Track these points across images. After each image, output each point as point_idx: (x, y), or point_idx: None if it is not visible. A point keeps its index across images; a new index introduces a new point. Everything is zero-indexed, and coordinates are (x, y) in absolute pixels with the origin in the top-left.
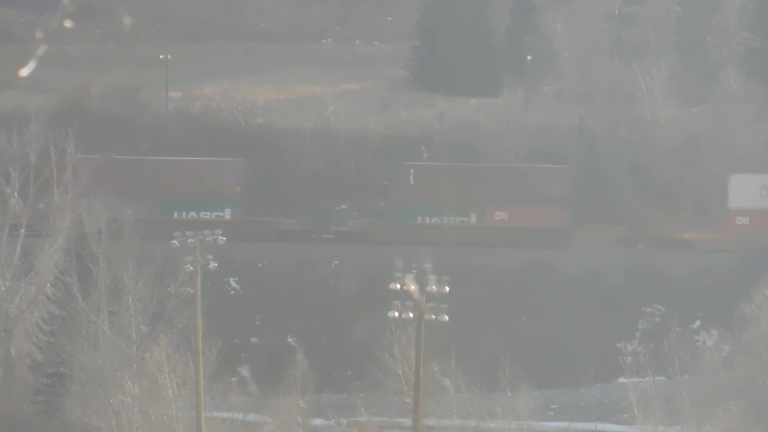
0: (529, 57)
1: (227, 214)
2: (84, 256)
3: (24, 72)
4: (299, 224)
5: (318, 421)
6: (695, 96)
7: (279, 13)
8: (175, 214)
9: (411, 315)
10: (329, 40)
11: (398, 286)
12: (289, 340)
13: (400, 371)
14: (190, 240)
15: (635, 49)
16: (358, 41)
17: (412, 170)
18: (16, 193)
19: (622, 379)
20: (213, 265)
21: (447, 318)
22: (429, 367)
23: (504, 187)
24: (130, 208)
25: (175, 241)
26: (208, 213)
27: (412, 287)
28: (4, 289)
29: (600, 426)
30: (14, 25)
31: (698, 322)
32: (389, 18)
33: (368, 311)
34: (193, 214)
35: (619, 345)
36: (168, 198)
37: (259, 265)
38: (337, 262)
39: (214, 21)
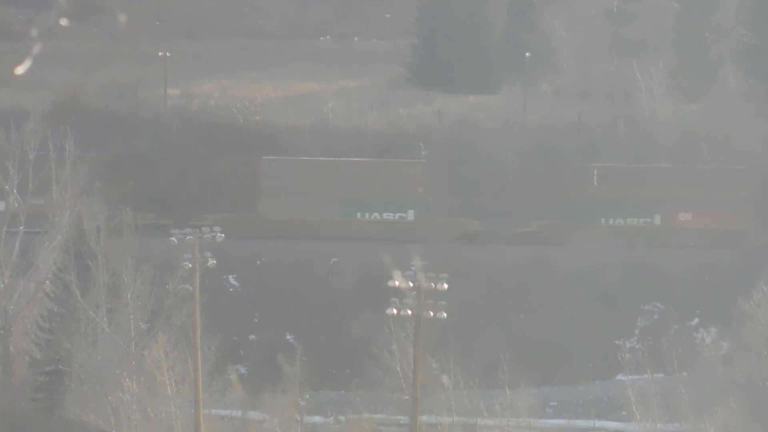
0: (527, 54)
1: (410, 215)
2: (83, 254)
3: (20, 70)
4: (482, 226)
5: (316, 418)
6: (694, 93)
7: (277, 11)
8: (358, 215)
9: (409, 312)
10: (328, 37)
11: (396, 283)
12: (288, 337)
13: (398, 368)
14: (188, 237)
15: (634, 46)
16: (356, 39)
17: (596, 171)
18: (14, 190)
19: (620, 377)
20: (212, 262)
21: (445, 315)
22: (427, 364)
23: (686, 188)
24: (312, 209)
25: (173, 239)
26: (391, 214)
27: (410, 284)
28: (2, 286)
29: (598, 423)
30: (12, 23)
31: (697, 320)
32: (388, 15)
33: (367, 308)
34: (376, 216)
35: (617, 342)
36: (351, 199)
37: (258, 262)
38: (335, 260)
39: (213, 18)
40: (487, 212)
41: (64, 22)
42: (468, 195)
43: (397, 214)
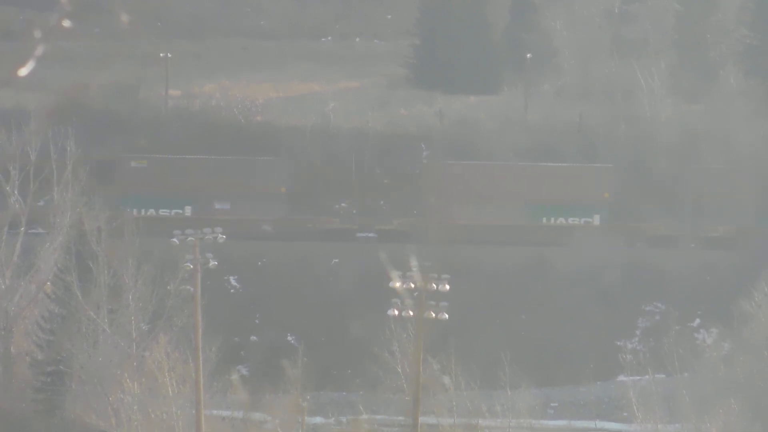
0: (528, 55)
1: (596, 220)
2: (84, 255)
3: (23, 72)
4: (668, 229)
5: (318, 419)
6: (694, 93)
7: (278, 11)
8: (544, 220)
9: (411, 313)
10: (329, 38)
11: (398, 284)
12: (289, 338)
13: (399, 369)
14: (189, 238)
15: (635, 46)
16: (357, 39)
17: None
18: (16, 191)
19: (621, 377)
20: (213, 263)
21: (447, 316)
22: (429, 364)
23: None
24: (498, 213)
25: (174, 240)
26: (576, 219)
27: (412, 285)
28: (4, 287)
29: (600, 424)
30: (13, 23)
31: (698, 320)
32: (389, 16)
33: (368, 309)
34: (561, 220)
35: (618, 343)
36: (536, 203)
37: (259, 263)
38: (336, 260)
39: (214, 19)
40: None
41: (66, 23)
42: (655, 200)
43: (583, 219)
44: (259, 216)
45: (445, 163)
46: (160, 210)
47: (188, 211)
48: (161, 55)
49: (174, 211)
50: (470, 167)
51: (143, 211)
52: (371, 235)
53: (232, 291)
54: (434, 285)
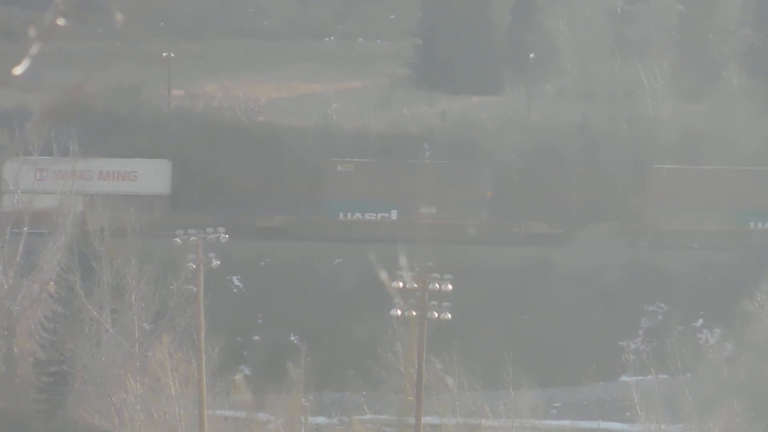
0: (531, 55)
1: None
2: (87, 254)
3: (18, 70)
4: None
5: (320, 419)
6: (697, 93)
7: (280, 11)
8: (751, 225)
9: (414, 313)
10: (331, 38)
11: (400, 284)
12: (292, 338)
13: (402, 369)
14: (192, 238)
15: (637, 46)
16: (359, 39)
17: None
18: (19, 191)
19: (624, 378)
20: (216, 263)
21: (450, 316)
22: (431, 365)
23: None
24: (706, 218)
25: (177, 239)
26: None
27: (415, 285)
28: (6, 287)
29: (602, 424)
30: (14, 23)
31: (701, 320)
32: (391, 16)
33: (370, 309)
34: None
35: (621, 343)
36: (748, 209)
37: (262, 263)
38: (339, 260)
39: (216, 19)
40: None
41: (61, 21)
42: None
43: None
44: (464, 220)
45: (657, 167)
46: (366, 214)
47: (394, 215)
48: (163, 55)
49: (380, 215)
50: (677, 172)
51: (349, 215)
52: None
53: (235, 291)
54: (437, 285)
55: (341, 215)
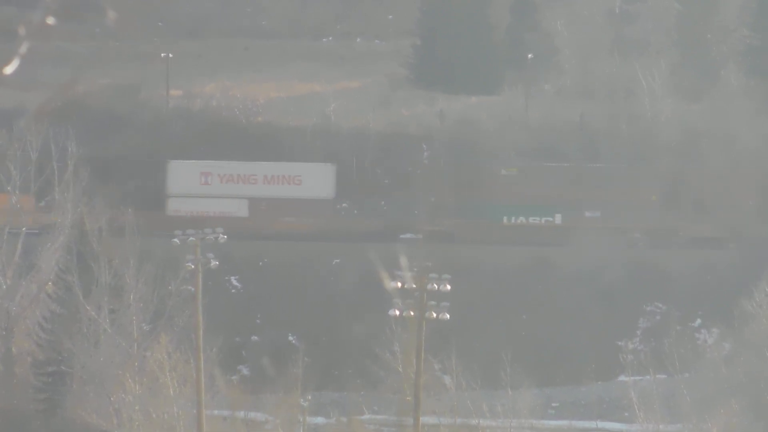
0: (529, 55)
1: None
2: (85, 254)
3: (8, 70)
4: None
5: (319, 419)
6: (695, 93)
7: (279, 10)
8: (504, 220)
9: (412, 313)
10: (330, 37)
11: (399, 284)
12: (290, 338)
13: (400, 369)
14: (191, 238)
15: (635, 46)
16: (358, 39)
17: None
18: (17, 191)
19: (622, 378)
20: (214, 263)
21: (448, 316)
22: (430, 365)
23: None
24: None
25: (175, 240)
26: None
27: (414, 285)
28: (5, 287)
29: (601, 424)
30: (12, 23)
31: (699, 320)
32: (390, 16)
33: (369, 309)
34: None
35: (619, 343)
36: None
37: (260, 263)
38: (337, 260)
39: (214, 18)
40: None
41: (49, 21)
42: None
43: None
44: (630, 224)
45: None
46: (530, 218)
47: (558, 219)
48: (162, 54)
49: (544, 219)
50: None
51: (512, 219)
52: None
53: (233, 291)
54: (435, 285)
55: (505, 219)
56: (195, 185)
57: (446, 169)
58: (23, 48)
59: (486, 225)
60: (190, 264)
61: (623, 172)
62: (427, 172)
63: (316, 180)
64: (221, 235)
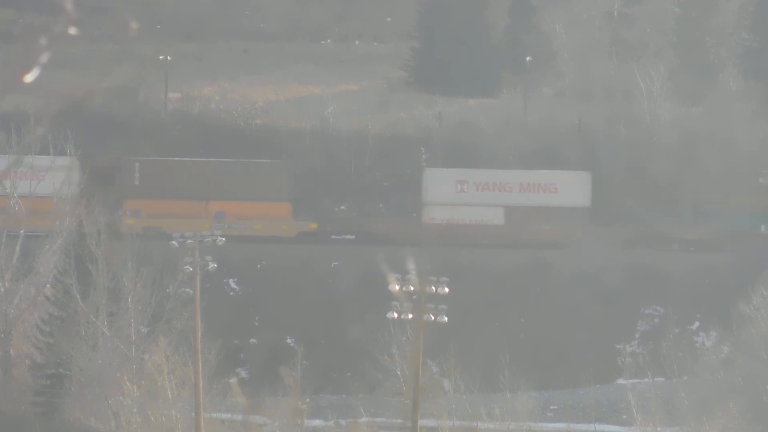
0: (528, 57)
1: None
2: (83, 257)
3: (29, 78)
4: None
5: (317, 422)
6: (694, 95)
7: (278, 13)
8: None
9: (410, 316)
10: (328, 40)
11: (397, 287)
12: (288, 340)
13: (399, 372)
14: (189, 241)
15: (634, 48)
16: (357, 41)
17: None
18: (16, 194)
19: (621, 380)
20: (212, 266)
21: (446, 319)
22: (428, 367)
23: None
24: None
25: (174, 242)
26: None
27: (411, 288)
28: (3, 290)
29: (599, 427)
30: (13, 26)
31: (697, 323)
32: (388, 18)
33: (367, 312)
34: None
35: (618, 346)
36: None
37: (258, 266)
38: (336, 263)
39: (213, 21)
40: None
41: (72, 31)
42: None
43: None
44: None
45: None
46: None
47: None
48: (161, 57)
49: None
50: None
51: None
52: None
53: (231, 294)
54: (433, 288)
55: (763, 228)
56: (451, 193)
57: (706, 177)
58: (45, 56)
59: (743, 235)
60: (188, 267)
61: None
62: (690, 178)
63: (571, 188)
64: (220, 238)
